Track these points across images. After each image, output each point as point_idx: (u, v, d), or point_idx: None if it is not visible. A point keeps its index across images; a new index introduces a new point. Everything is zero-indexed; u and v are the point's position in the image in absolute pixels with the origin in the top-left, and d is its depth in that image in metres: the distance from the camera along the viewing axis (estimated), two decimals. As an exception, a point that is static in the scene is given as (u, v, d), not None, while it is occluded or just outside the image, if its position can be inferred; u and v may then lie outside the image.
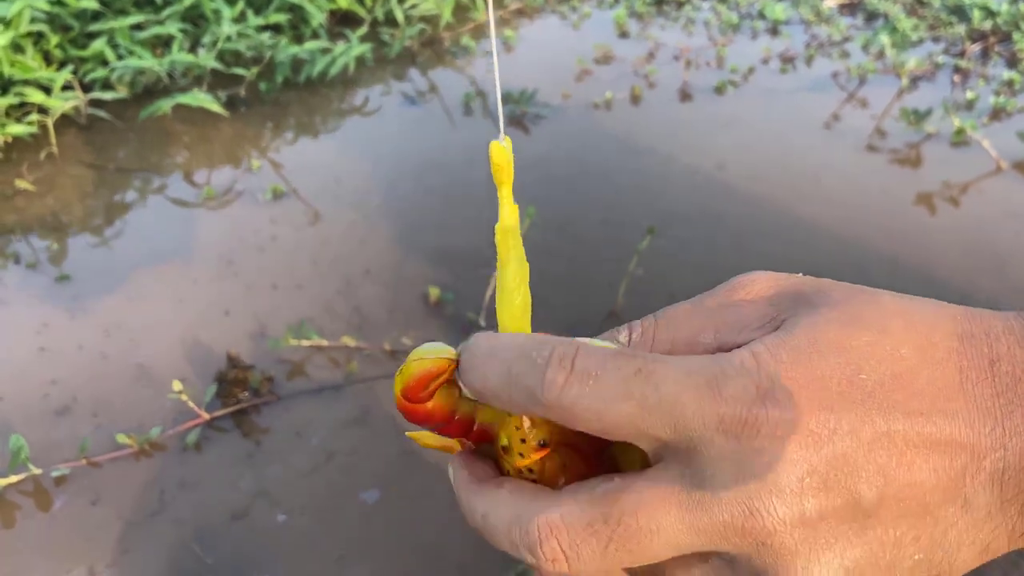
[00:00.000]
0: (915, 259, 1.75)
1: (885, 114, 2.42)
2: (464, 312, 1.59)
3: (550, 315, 1.59)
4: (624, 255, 1.66)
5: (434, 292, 1.62)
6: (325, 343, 1.51)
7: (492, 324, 1.53)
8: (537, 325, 0.36)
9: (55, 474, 1.26)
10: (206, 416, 1.35)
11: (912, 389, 0.29)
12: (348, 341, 1.50)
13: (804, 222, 1.88)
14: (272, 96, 2.66)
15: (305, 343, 1.50)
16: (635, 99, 2.57)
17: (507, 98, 2.53)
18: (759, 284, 0.35)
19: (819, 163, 2.16)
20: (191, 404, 1.33)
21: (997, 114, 2.35)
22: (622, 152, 2.24)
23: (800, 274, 0.35)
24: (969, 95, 2.42)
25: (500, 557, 1.10)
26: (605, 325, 1.57)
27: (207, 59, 2.45)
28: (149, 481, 1.26)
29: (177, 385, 1.32)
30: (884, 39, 2.65)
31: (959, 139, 2.17)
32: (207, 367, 1.49)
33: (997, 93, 2.43)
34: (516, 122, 2.47)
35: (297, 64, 2.72)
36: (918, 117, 2.20)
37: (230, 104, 2.59)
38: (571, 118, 2.48)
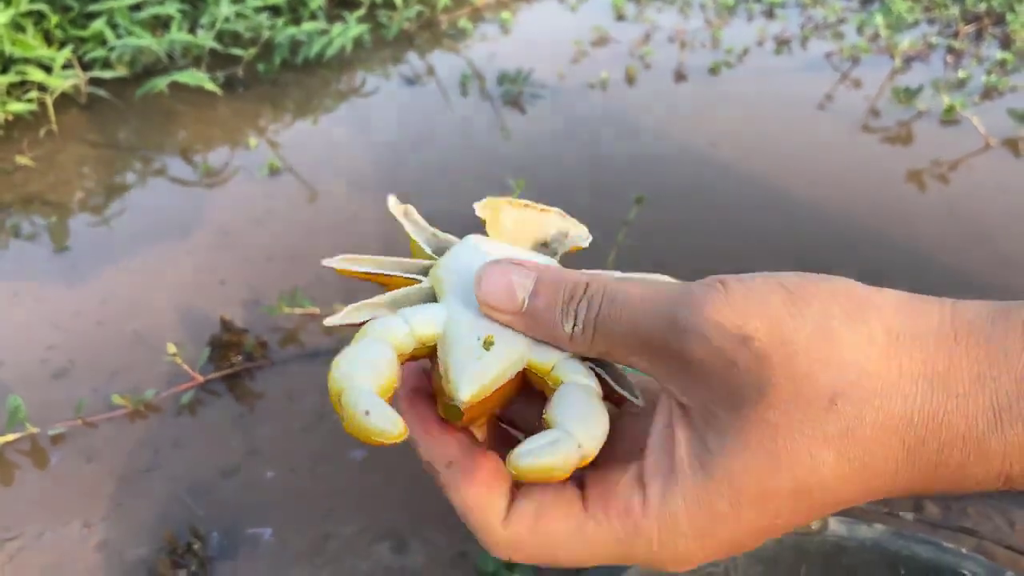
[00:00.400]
0: (903, 235, 1.77)
1: (879, 94, 2.43)
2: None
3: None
4: (613, 228, 1.68)
5: (426, 262, 1.64)
6: (318, 311, 1.54)
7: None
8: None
9: (52, 432, 1.29)
10: (200, 379, 1.38)
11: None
12: (341, 308, 1.53)
13: (794, 198, 1.90)
14: (270, 77, 2.69)
15: (298, 311, 1.52)
16: (630, 79, 2.58)
17: (503, 78, 2.55)
18: (704, 348, 0.32)
19: (812, 142, 2.17)
20: (185, 367, 1.36)
21: (988, 93, 2.37)
22: (615, 130, 2.26)
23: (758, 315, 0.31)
24: (961, 74, 2.43)
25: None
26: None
27: (205, 39, 2.47)
28: (143, 440, 1.29)
29: (171, 348, 1.35)
30: (879, 20, 2.66)
31: (949, 117, 2.19)
32: (202, 332, 1.51)
33: (989, 72, 2.45)
34: (512, 102, 2.49)
35: (295, 45, 2.74)
36: (909, 95, 2.21)
37: (228, 85, 2.62)
38: (566, 98, 2.50)
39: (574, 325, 0.35)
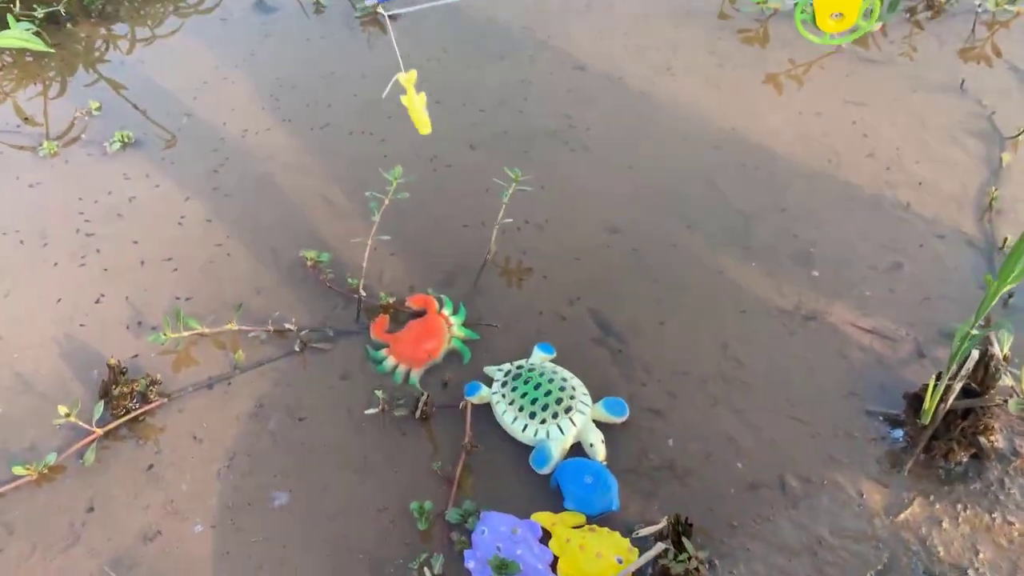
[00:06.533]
0: (759, 158, 1.84)
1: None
2: (343, 275, 1.60)
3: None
4: (497, 188, 1.68)
5: (310, 256, 1.62)
6: (207, 330, 1.51)
7: (372, 291, 1.56)
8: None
9: (-44, 518, 1.27)
10: (99, 432, 1.36)
11: None
12: (231, 326, 1.51)
13: (659, 123, 1.93)
14: (97, 7, 2.42)
15: (186, 333, 1.50)
16: (491, -16, 2.46)
17: (357, -7, 2.39)
18: None
19: (671, 54, 2.17)
20: (81, 423, 1.34)
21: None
22: (483, 58, 2.18)
23: None
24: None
25: (404, 547, 1.21)
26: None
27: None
28: (57, 507, 1.29)
29: (63, 409, 1.32)
30: None
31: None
32: (88, 366, 1.48)
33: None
34: (371, 21, 2.35)
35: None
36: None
37: (52, 22, 2.35)
38: (428, 13, 2.37)
39: None
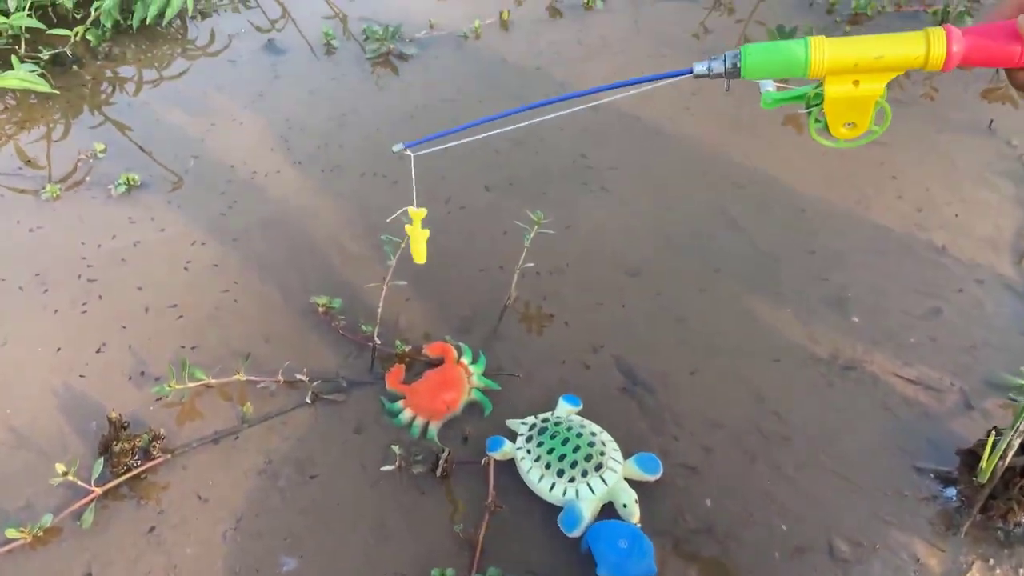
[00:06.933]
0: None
1: (749, 19, 2.40)
2: (356, 322, 1.53)
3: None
4: (515, 230, 1.62)
5: (321, 302, 1.55)
6: (214, 381, 1.44)
7: (387, 338, 1.49)
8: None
9: (-57, 586, 1.19)
10: (98, 491, 1.28)
11: None
12: (239, 377, 1.44)
13: (678, 162, 1.88)
14: (104, 49, 2.38)
15: (191, 385, 1.42)
16: (504, 24, 2.44)
17: (371, 34, 2.36)
18: None
19: (689, 89, 2.13)
20: (79, 482, 1.26)
21: (858, 18, 2.37)
22: (497, 99, 2.14)
23: None
24: (834, -1, 2.41)
25: (427, 617, 1.13)
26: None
27: (20, 18, 2.15)
28: (52, 574, 1.20)
29: (60, 467, 1.24)
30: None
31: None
32: (88, 419, 1.40)
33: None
34: (383, 62, 2.32)
35: (127, 4, 2.42)
36: (784, 35, 2.18)
37: (57, 64, 2.31)
38: (439, 54, 2.34)
39: None
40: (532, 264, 1.51)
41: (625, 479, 1.23)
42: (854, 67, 0.76)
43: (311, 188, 1.89)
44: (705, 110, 2.05)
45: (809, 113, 0.82)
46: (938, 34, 0.74)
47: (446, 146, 0.98)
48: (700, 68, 0.80)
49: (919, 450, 1.28)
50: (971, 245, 1.64)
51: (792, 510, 1.22)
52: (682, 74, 0.82)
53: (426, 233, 1.19)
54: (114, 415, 1.34)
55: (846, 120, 0.81)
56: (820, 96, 0.80)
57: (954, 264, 1.60)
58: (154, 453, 1.33)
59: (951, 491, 1.22)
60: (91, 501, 1.28)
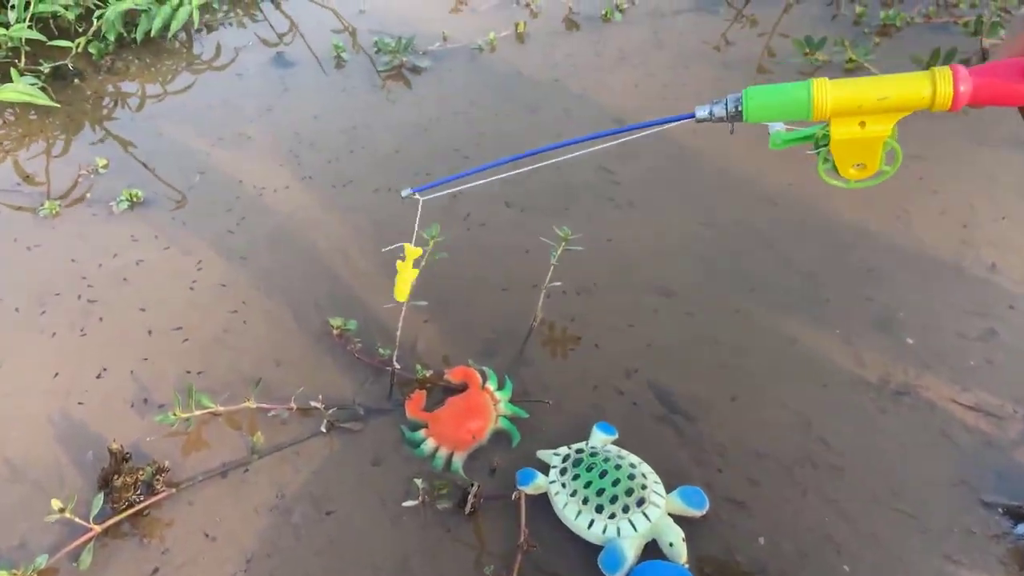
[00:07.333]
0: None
1: (773, 31, 2.33)
2: (373, 345, 1.44)
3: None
4: (538, 247, 1.54)
5: (336, 323, 1.46)
6: (221, 409, 1.35)
7: (406, 362, 1.40)
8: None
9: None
10: (97, 529, 1.19)
11: None
12: (248, 404, 1.34)
13: (706, 177, 1.80)
14: (106, 62, 2.31)
15: (198, 413, 1.33)
16: (520, 36, 2.36)
17: (383, 47, 2.29)
18: None
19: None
20: (77, 520, 1.17)
21: (887, 30, 2.30)
22: (513, 111, 2.06)
23: None
24: (858, 9, 2.34)
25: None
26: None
27: (20, 30, 2.08)
28: (43, 622, 1.11)
29: (56, 503, 1.15)
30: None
31: (852, 66, 2.11)
32: (87, 449, 1.31)
33: (887, 5, 2.36)
34: (395, 75, 2.24)
35: (131, 17, 2.35)
36: (813, 46, 2.11)
37: (58, 77, 2.23)
38: (453, 66, 2.27)
39: None
40: (559, 283, 1.43)
41: (669, 515, 1.14)
42: (858, 108, 0.74)
43: (322, 204, 1.80)
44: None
45: (818, 153, 0.80)
46: (944, 74, 0.71)
47: (454, 190, 0.93)
48: (702, 112, 0.80)
49: (985, 482, 1.19)
50: (1021, 262, 1.55)
51: (850, 548, 1.12)
52: (684, 118, 0.81)
53: (415, 272, 1.16)
54: (115, 446, 1.24)
55: (855, 161, 0.80)
56: (828, 136, 0.77)
57: (1005, 282, 1.51)
58: (158, 487, 1.24)
59: (1023, 528, 1.12)
60: (90, 540, 1.18)
